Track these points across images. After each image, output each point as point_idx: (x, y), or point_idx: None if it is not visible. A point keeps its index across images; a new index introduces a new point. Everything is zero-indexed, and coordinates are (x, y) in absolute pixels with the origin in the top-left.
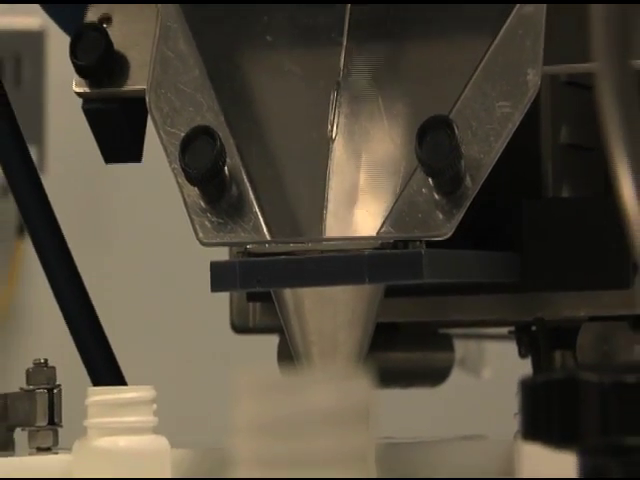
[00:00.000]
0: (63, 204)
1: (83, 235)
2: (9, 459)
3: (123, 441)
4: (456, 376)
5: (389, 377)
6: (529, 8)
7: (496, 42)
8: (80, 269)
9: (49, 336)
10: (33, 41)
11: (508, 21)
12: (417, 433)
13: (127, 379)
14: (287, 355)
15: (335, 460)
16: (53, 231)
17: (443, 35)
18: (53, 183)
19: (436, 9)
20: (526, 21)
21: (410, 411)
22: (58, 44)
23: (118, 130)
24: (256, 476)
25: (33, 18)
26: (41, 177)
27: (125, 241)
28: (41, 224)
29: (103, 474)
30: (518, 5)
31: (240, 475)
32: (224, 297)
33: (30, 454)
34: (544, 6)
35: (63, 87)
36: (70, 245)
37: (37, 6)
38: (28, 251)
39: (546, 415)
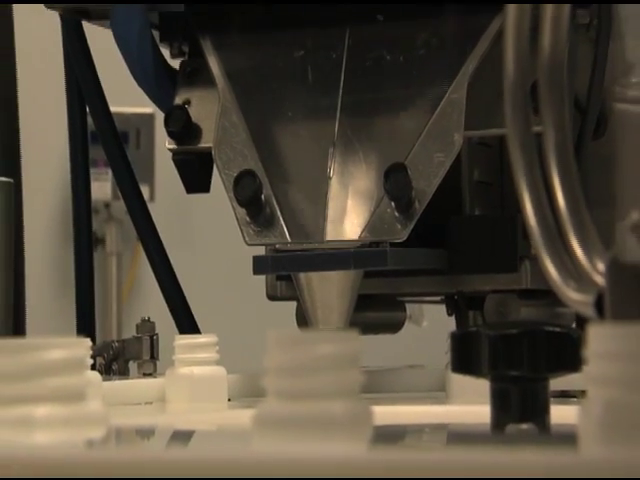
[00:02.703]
0: (164, 221)
1: (175, 240)
2: (125, 381)
3: (197, 370)
4: (406, 326)
5: (365, 328)
6: (455, 95)
7: (434, 116)
8: (173, 262)
9: (152, 303)
10: (147, 120)
11: (442, 103)
12: (381, 363)
13: (201, 329)
14: (301, 316)
15: (335, 393)
16: (154, 236)
17: (400, 111)
18: (158, 208)
19: (397, 95)
20: (453, 103)
21: (377, 349)
22: (162, 121)
23: (195, 172)
24: (277, 405)
25: (147, 107)
26: (150, 205)
27: (202, 244)
28: (147, 234)
29: (184, 391)
30: (448, 94)
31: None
32: (262, 278)
33: (138, 377)
34: (465, 93)
35: (164, 148)
36: (166, 246)
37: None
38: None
39: (466, 354)
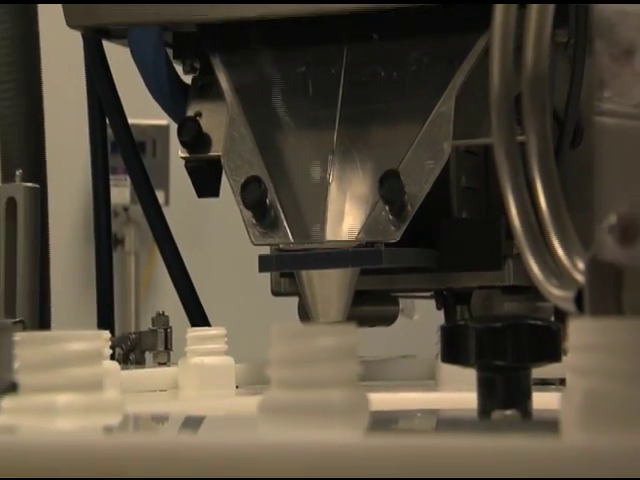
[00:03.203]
0: (177, 223)
1: (187, 241)
2: (142, 370)
3: (207, 359)
4: (399, 319)
5: (362, 321)
6: (444, 108)
7: (425, 127)
8: (185, 260)
9: (166, 298)
10: (162, 131)
11: (432, 115)
12: (376, 354)
13: (210, 322)
14: (303, 310)
15: (334, 382)
16: (168, 238)
17: (394, 122)
18: (172, 211)
19: (390, 107)
20: (442, 115)
21: (372, 340)
22: (176, 132)
23: (205, 178)
24: (280, 394)
25: (162, 119)
26: (165, 208)
27: (212, 244)
28: (162, 235)
29: (195, 379)
30: (437, 106)
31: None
32: (267, 275)
33: (153, 367)
34: (452, 106)
35: (178, 156)
36: (179, 246)
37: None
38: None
39: (454, 345)
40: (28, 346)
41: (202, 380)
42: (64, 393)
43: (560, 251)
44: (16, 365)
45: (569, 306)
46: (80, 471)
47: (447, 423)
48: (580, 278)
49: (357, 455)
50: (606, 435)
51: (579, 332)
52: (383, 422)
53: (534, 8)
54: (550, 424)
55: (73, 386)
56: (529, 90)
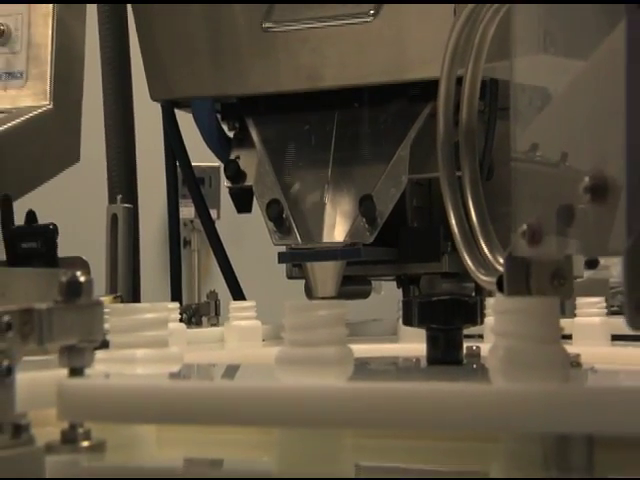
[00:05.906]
0: (224, 230)
1: (231, 243)
2: (200, 329)
3: (243, 322)
4: (372, 295)
5: (346, 296)
6: (403, 152)
7: (389, 166)
8: (229, 256)
9: (217, 281)
10: (215, 170)
11: (394, 157)
12: (356, 318)
13: (246, 297)
14: (308, 289)
15: (329, 342)
16: (218, 241)
17: (369, 163)
18: (222, 223)
19: (367, 152)
20: (401, 157)
21: (353, 309)
22: (223, 170)
23: (241, 200)
24: (290, 350)
25: (215, 162)
26: (217, 222)
27: (247, 245)
28: (215, 239)
29: (235, 336)
30: (398, 151)
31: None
32: (284, 265)
33: (208, 327)
34: (408, 151)
35: (225, 186)
36: (226, 247)
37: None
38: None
39: (410, 313)
40: (115, 315)
41: (240, 336)
42: (141, 349)
43: (486, 249)
44: (107, 328)
45: (493, 288)
46: (152, 405)
47: (406, 369)
48: (500, 268)
49: (343, 396)
50: (523, 381)
51: (501, 305)
52: (361, 367)
53: (467, 85)
54: (479, 372)
55: (147, 344)
56: (464, 139)
